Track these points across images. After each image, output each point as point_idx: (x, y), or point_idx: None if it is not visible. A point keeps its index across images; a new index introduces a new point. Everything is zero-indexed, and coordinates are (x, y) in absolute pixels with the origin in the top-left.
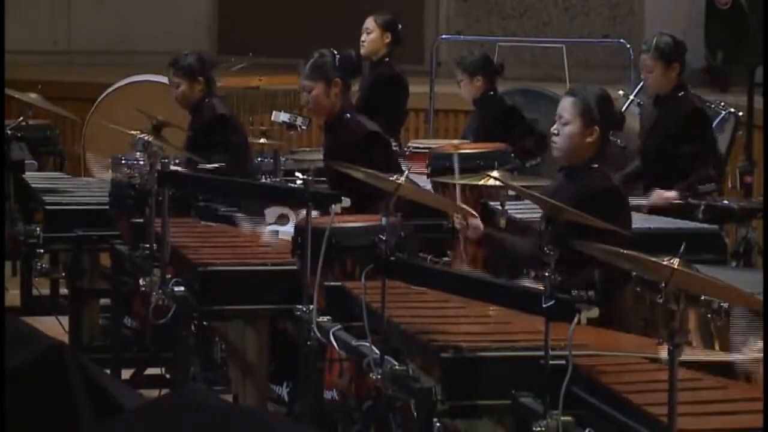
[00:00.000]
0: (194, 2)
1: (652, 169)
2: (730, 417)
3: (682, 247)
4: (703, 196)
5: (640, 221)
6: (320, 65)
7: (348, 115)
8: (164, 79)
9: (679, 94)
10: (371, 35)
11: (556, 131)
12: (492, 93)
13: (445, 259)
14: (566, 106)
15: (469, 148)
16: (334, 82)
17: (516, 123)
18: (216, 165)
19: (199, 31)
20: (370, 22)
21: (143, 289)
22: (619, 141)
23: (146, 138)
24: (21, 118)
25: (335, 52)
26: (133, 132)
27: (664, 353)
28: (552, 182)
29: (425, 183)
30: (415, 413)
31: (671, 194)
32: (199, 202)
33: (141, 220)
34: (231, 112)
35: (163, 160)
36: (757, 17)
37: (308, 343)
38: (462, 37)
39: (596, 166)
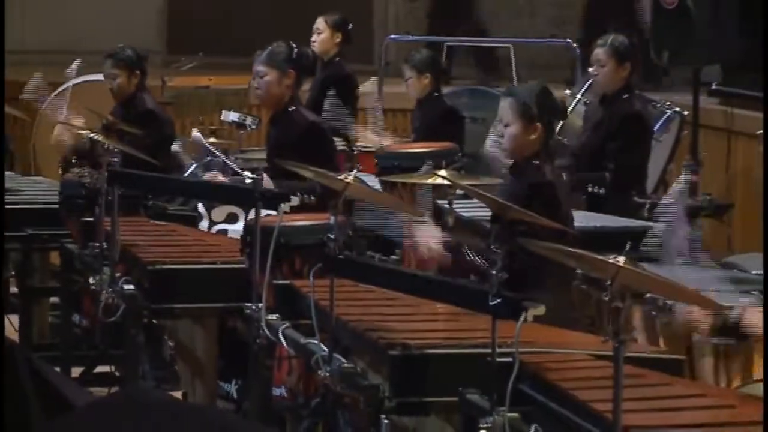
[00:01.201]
0: (144, 2)
1: (586, 167)
2: (675, 413)
3: (628, 245)
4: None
5: (586, 220)
6: (277, 54)
7: (292, 107)
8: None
9: (624, 96)
10: (322, 35)
11: (500, 134)
12: (437, 94)
13: (393, 257)
14: (505, 108)
15: (416, 148)
16: (287, 73)
17: (453, 124)
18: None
19: (149, 30)
20: (320, 23)
21: (93, 287)
22: (565, 139)
23: (96, 137)
24: None
25: (294, 46)
26: (83, 131)
27: (609, 350)
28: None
29: (374, 182)
30: (363, 410)
31: None
32: (149, 201)
33: (91, 219)
34: (159, 108)
35: (113, 159)
36: (703, 17)
37: (257, 341)
38: (410, 36)
39: (536, 162)
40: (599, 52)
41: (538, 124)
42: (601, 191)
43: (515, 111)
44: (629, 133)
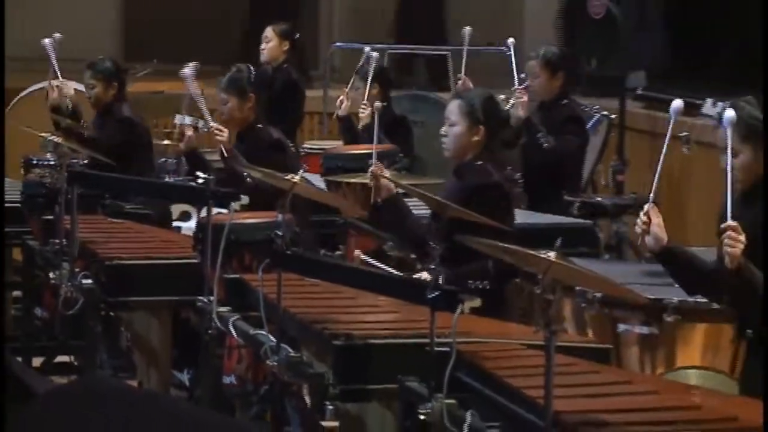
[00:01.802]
0: (100, 13)
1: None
2: (603, 399)
3: (559, 241)
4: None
5: (521, 217)
6: (236, 80)
7: (260, 125)
8: (76, 85)
9: (562, 102)
10: (270, 43)
11: (444, 132)
12: (385, 103)
13: (338, 252)
14: (452, 108)
15: (360, 149)
16: (248, 96)
17: (401, 130)
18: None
19: (105, 39)
20: (269, 31)
21: (53, 281)
22: None
23: (55, 139)
24: None
25: (251, 68)
26: (43, 134)
27: (541, 340)
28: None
29: (319, 182)
30: (309, 397)
31: None
32: (106, 200)
33: (51, 217)
34: (138, 117)
35: (72, 160)
36: (629, 27)
37: (209, 331)
38: (354, 44)
39: (480, 162)
40: (533, 65)
41: (481, 127)
42: (546, 145)
43: (461, 111)
44: (568, 135)
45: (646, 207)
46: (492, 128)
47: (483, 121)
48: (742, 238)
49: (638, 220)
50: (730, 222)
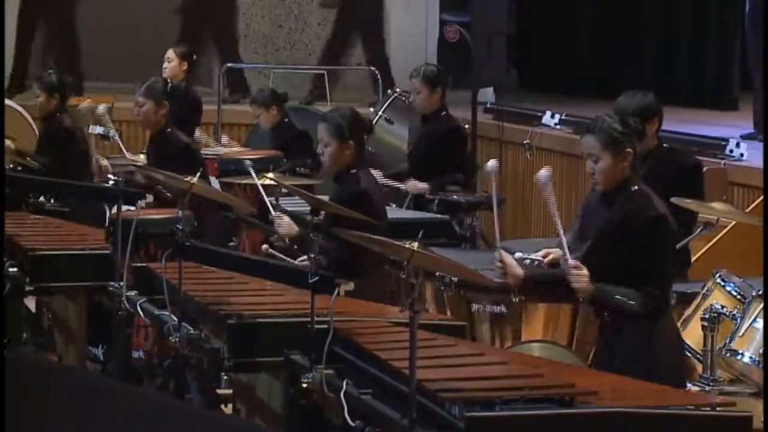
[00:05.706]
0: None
1: (418, 171)
2: (460, 369)
3: (420, 233)
4: (447, 192)
5: (389, 213)
6: (153, 88)
7: (169, 130)
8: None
9: (442, 114)
10: (171, 63)
11: (321, 152)
12: (287, 120)
13: (231, 243)
14: (322, 131)
15: (250, 155)
16: (162, 104)
17: (302, 143)
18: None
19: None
20: (170, 53)
21: None
22: (370, 148)
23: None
24: None
25: (168, 81)
26: None
27: (406, 318)
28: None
29: (214, 182)
30: (207, 369)
31: (423, 185)
32: (30, 199)
33: None
34: (76, 127)
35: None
36: (480, 50)
37: (119, 312)
38: (244, 65)
39: (354, 171)
40: (414, 82)
41: (350, 141)
42: (458, 188)
43: (330, 133)
44: (453, 144)
45: (495, 254)
46: (359, 139)
47: (350, 136)
48: (585, 272)
49: (495, 267)
50: (570, 261)
